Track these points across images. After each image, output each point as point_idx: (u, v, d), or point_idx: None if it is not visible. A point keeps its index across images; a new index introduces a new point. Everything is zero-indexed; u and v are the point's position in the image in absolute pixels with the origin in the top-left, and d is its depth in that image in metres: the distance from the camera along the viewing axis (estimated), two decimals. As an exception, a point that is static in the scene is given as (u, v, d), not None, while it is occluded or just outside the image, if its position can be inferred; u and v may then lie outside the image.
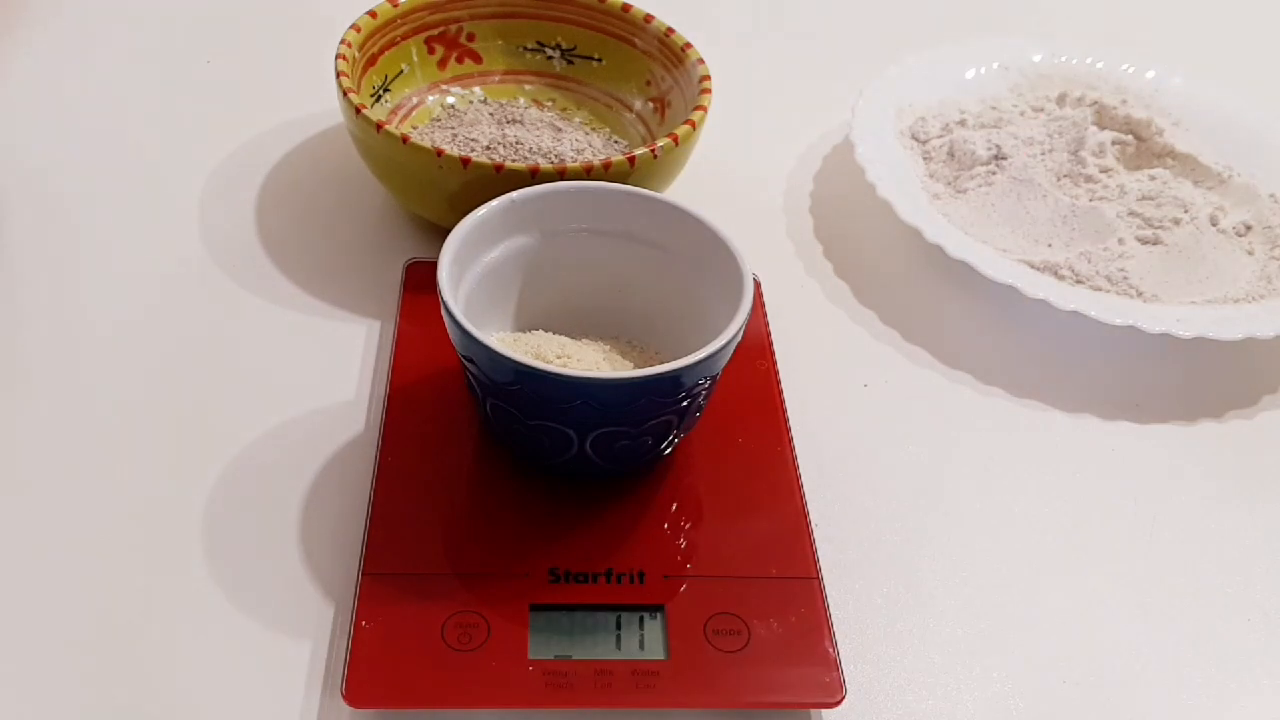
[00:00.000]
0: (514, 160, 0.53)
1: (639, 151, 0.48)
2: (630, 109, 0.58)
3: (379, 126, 0.47)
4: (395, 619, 0.37)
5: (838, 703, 0.37)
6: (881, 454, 0.47)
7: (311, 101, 0.61)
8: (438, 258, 0.40)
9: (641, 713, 0.37)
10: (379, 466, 0.42)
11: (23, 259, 0.51)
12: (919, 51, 0.65)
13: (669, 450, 0.42)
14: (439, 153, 0.47)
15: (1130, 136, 0.62)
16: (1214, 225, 0.57)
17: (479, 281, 0.43)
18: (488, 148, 0.53)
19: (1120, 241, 0.55)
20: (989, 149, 0.59)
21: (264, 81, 0.64)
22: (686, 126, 0.50)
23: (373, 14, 0.54)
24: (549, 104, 0.60)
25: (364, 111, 0.48)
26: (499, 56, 0.60)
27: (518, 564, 0.39)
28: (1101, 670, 0.41)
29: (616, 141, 0.57)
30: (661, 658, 0.37)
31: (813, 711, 0.38)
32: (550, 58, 0.60)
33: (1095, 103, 0.63)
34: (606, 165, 0.47)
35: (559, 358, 0.41)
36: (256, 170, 0.57)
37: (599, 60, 0.59)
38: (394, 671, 0.36)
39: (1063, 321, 0.52)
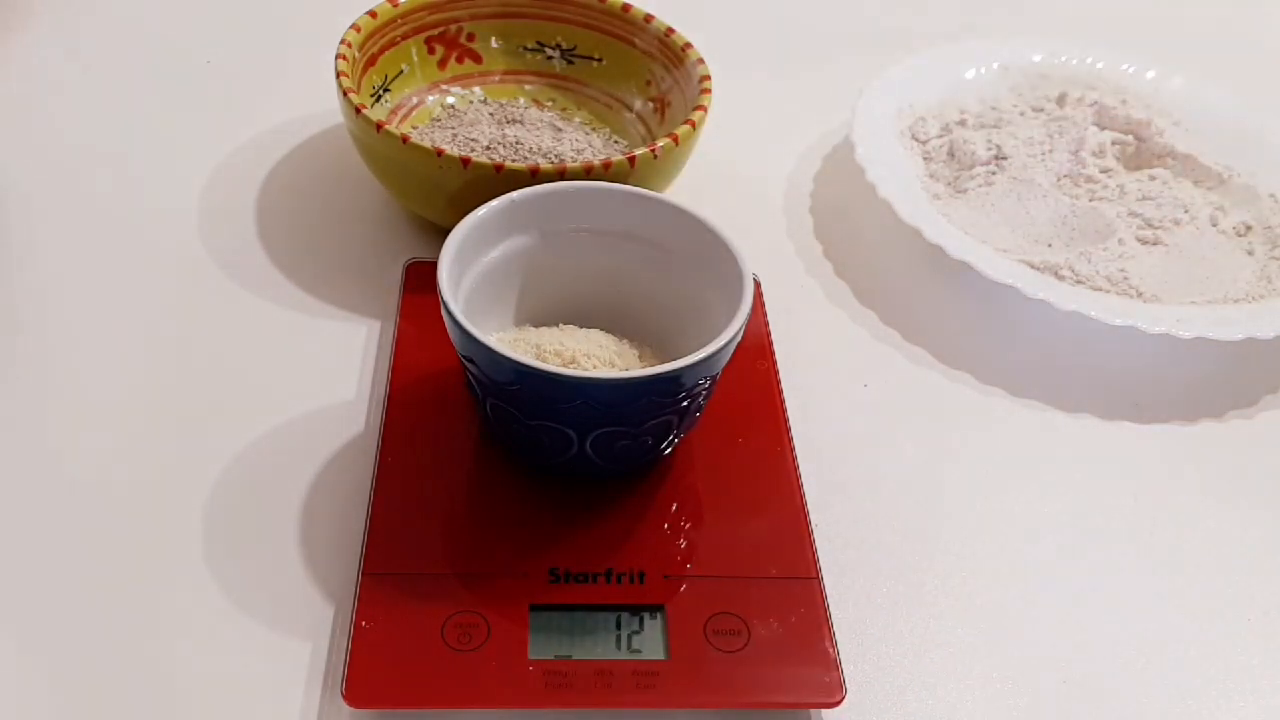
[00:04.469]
0: (514, 160, 0.53)
1: (639, 151, 0.48)
2: (630, 109, 0.58)
3: (379, 126, 0.47)
4: (395, 619, 0.37)
5: (838, 703, 0.37)
6: (881, 454, 0.47)
7: (311, 101, 0.61)
8: (438, 258, 0.40)
9: (641, 713, 0.37)
10: (379, 466, 0.42)
11: (22, 259, 0.51)
12: (919, 51, 0.65)
13: (669, 450, 0.42)
14: (439, 153, 0.47)
15: (1130, 136, 0.62)
16: (1214, 225, 0.57)
17: (479, 281, 0.43)
18: (488, 148, 0.53)
19: (1120, 242, 0.55)
20: (989, 149, 0.59)
21: (264, 81, 0.64)
22: (686, 126, 0.50)
23: (373, 14, 0.54)
24: (549, 104, 0.60)
25: (364, 111, 0.48)
26: (499, 56, 0.60)
27: (518, 564, 0.39)
28: (1101, 670, 0.41)
29: (616, 141, 0.57)
30: (661, 658, 0.37)
31: (813, 711, 0.38)
32: (550, 58, 0.60)
33: (1095, 103, 0.63)
34: (606, 165, 0.47)
35: (557, 354, 0.41)
36: (256, 170, 0.57)
37: (599, 60, 0.59)
38: (394, 671, 0.36)
39: (1063, 321, 0.52)
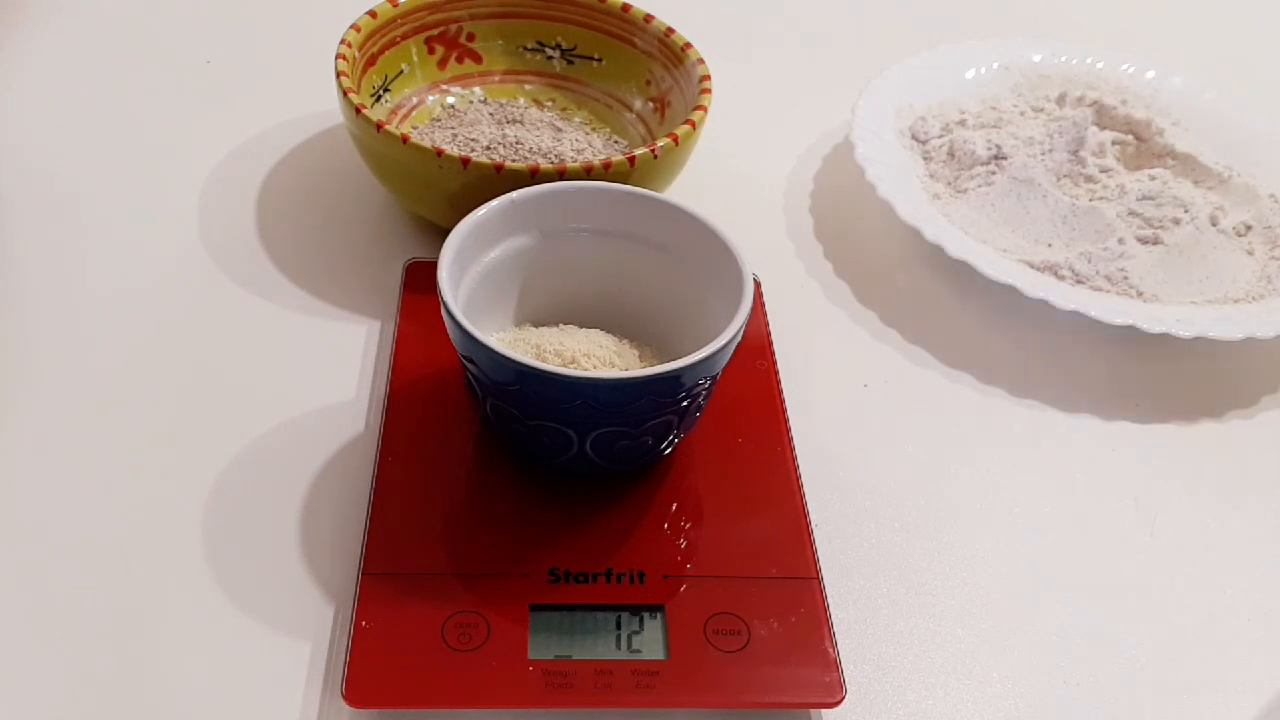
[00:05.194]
0: (514, 160, 0.53)
1: (639, 151, 0.48)
2: (630, 109, 0.58)
3: (379, 126, 0.47)
4: (395, 619, 0.37)
5: (838, 703, 0.37)
6: (881, 454, 0.47)
7: (311, 101, 0.61)
8: (438, 258, 0.40)
9: (641, 713, 0.37)
10: (379, 466, 0.42)
11: (23, 259, 0.51)
12: (919, 51, 0.65)
13: (669, 450, 0.42)
14: (439, 153, 0.47)
15: (1130, 136, 0.62)
16: (1214, 225, 0.57)
17: (479, 281, 0.43)
18: (488, 148, 0.53)
19: (1120, 241, 0.55)
20: (989, 149, 0.59)
21: (264, 81, 0.64)
22: (686, 126, 0.50)
23: (373, 14, 0.54)
24: (549, 104, 0.60)
25: (364, 111, 0.48)
26: (499, 56, 0.60)
27: (518, 564, 0.39)
28: (1101, 670, 0.41)
29: (616, 141, 0.57)
30: (661, 658, 0.37)
31: (813, 711, 0.38)
32: (550, 58, 0.60)
33: (1095, 103, 0.63)
34: (606, 165, 0.47)
35: (557, 354, 0.41)
36: (256, 170, 0.57)
37: (599, 60, 0.59)
38: (394, 671, 0.36)
39: (1063, 321, 0.52)
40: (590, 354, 0.42)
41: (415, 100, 0.58)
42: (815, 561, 0.40)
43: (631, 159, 0.48)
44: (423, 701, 0.36)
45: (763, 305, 0.51)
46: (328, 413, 0.45)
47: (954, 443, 0.48)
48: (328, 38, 0.53)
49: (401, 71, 0.57)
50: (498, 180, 0.46)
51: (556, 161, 0.53)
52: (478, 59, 0.60)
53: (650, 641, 0.38)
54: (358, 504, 0.42)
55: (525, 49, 0.60)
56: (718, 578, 0.40)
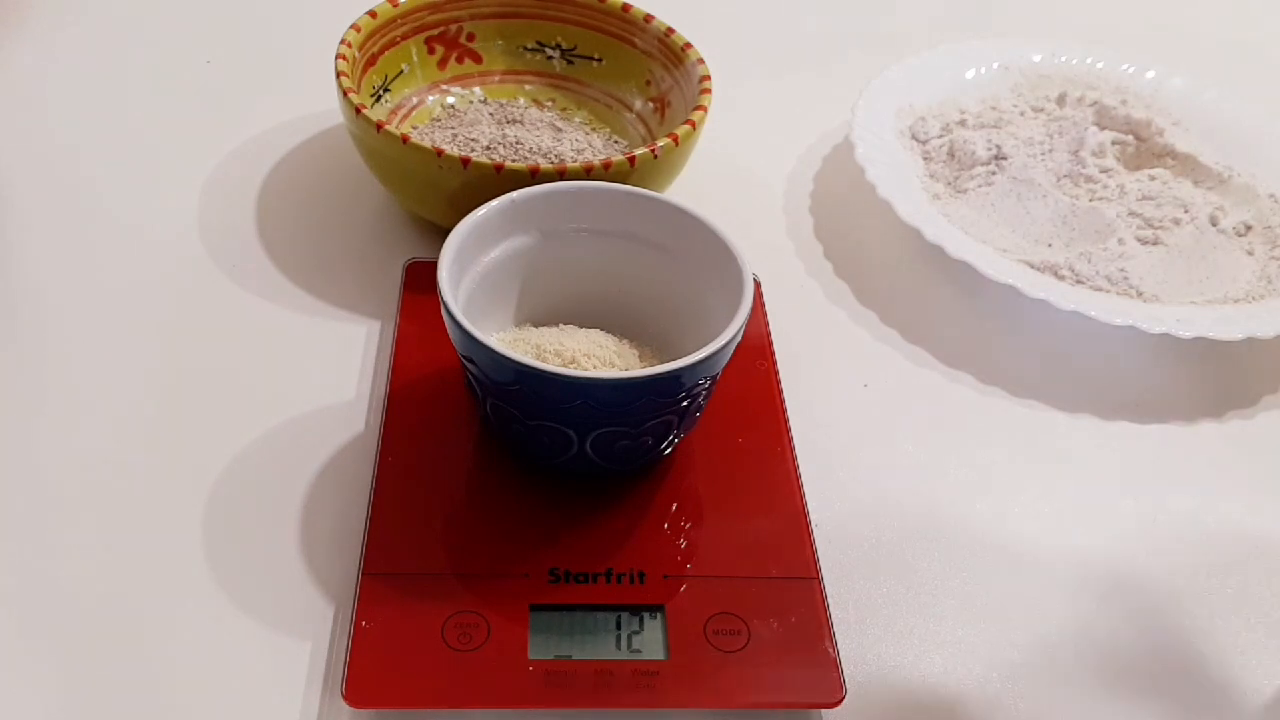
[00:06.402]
0: (514, 160, 0.53)
1: (639, 151, 0.48)
2: (630, 109, 0.58)
3: (379, 126, 0.47)
4: (395, 619, 0.37)
5: (838, 703, 0.37)
6: (881, 454, 0.47)
7: (311, 101, 0.61)
8: (438, 258, 0.40)
9: (641, 713, 0.37)
10: (379, 466, 0.42)
11: (22, 259, 0.51)
12: (919, 51, 0.65)
13: (669, 450, 0.42)
14: (439, 153, 0.47)
15: (1130, 136, 0.62)
16: (1214, 225, 0.57)
17: (479, 281, 0.43)
18: (488, 148, 0.53)
19: (1120, 241, 0.55)
20: (989, 149, 0.60)
21: (264, 81, 0.64)
22: (686, 126, 0.50)
23: (373, 14, 0.54)
24: (549, 104, 0.60)
25: (364, 111, 0.48)
26: (499, 56, 0.60)
27: (518, 564, 0.39)
28: (1101, 670, 0.41)
29: (616, 141, 0.57)
30: (661, 658, 0.37)
31: (813, 711, 0.38)
32: (550, 58, 0.60)
33: (1095, 103, 0.63)
34: (606, 165, 0.47)
35: (557, 354, 0.41)
36: (256, 170, 0.57)
37: (599, 60, 0.59)
38: (394, 671, 0.36)
39: (1063, 321, 0.52)
40: (590, 354, 0.42)
41: (415, 100, 0.58)
42: (815, 561, 0.40)
43: (631, 159, 0.48)
44: (423, 701, 0.36)
45: (763, 305, 0.51)
46: (328, 413, 0.45)
47: (954, 442, 0.48)
48: (328, 38, 0.53)
49: (401, 71, 0.57)
50: (498, 180, 0.46)
51: (556, 161, 0.53)
52: (478, 59, 0.60)
53: (650, 641, 0.38)
54: (358, 504, 0.42)
55: (525, 49, 0.60)
56: (718, 578, 0.40)
